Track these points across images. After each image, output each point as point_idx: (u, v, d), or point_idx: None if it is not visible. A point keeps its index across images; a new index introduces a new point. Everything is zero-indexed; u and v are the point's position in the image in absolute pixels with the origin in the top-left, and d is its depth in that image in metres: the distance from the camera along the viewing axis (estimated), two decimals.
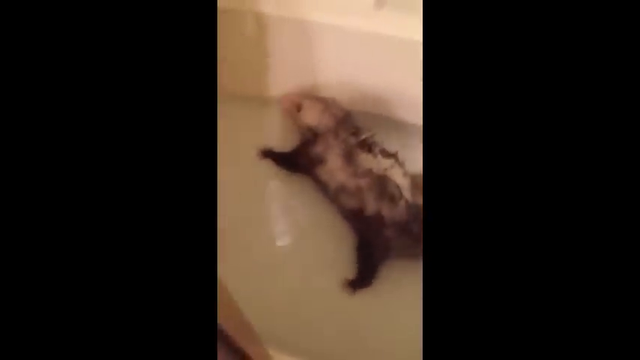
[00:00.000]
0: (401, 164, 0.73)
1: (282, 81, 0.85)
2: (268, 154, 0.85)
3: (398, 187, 0.71)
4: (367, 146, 0.75)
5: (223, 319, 0.38)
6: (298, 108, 0.81)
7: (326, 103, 0.79)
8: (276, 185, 0.85)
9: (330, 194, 0.77)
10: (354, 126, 0.78)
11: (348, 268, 0.76)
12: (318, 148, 0.77)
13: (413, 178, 0.73)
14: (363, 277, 0.75)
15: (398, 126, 0.85)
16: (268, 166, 0.85)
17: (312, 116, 0.79)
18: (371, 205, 0.72)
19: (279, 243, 0.80)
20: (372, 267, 0.75)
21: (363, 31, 0.73)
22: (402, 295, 0.74)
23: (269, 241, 0.80)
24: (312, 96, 0.82)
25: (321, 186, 0.78)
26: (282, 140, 0.86)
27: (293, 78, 0.85)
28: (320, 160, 0.77)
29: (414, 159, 0.75)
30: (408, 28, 0.70)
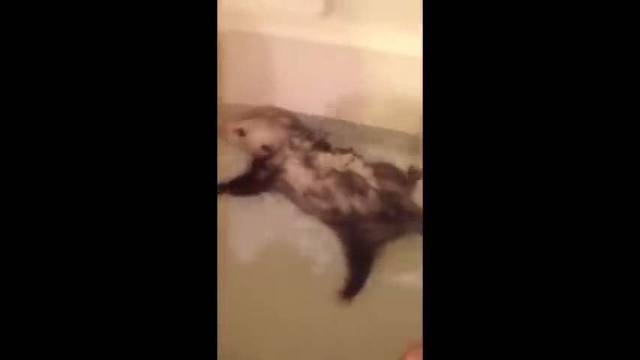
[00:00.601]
0: (359, 157, 0.76)
1: (234, 93, 0.85)
2: (223, 188, 0.81)
3: (362, 178, 0.74)
4: (324, 146, 0.77)
5: None
6: (241, 133, 0.78)
7: (270, 116, 0.79)
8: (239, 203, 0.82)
9: (300, 201, 0.77)
10: (306, 130, 0.79)
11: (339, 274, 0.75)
12: (275, 161, 0.77)
13: (374, 167, 0.76)
14: (354, 283, 0.73)
15: (345, 125, 0.88)
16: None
17: (261, 134, 0.78)
18: (344, 203, 0.73)
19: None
20: (361, 269, 0.74)
21: (311, 40, 0.76)
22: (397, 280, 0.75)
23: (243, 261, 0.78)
24: (250, 114, 0.80)
25: (288, 195, 0.78)
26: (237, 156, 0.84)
27: (245, 90, 0.85)
28: (279, 171, 0.77)
29: (367, 153, 0.79)
30: (355, 36, 0.76)
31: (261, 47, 0.79)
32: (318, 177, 0.75)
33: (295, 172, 0.76)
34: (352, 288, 0.74)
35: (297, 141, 0.77)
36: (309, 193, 0.75)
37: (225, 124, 0.79)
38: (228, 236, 0.79)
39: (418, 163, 0.81)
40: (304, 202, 0.77)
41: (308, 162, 0.76)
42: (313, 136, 0.78)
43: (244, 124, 0.78)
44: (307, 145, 0.77)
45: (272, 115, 0.80)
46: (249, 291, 0.74)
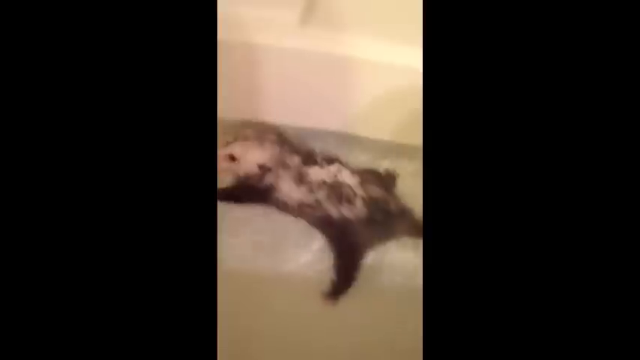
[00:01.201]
0: (345, 165, 0.79)
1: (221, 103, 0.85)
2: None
3: (350, 187, 0.76)
4: (312, 159, 0.79)
5: None
6: (232, 158, 0.78)
7: (255, 135, 0.79)
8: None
9: (293, 212, 0.79)
10: (293, 144, 0.80)
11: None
12: (268, 180, 0.78)
13: (360, 174, 0.79)
14: (339, 284, 0.77)
15: (329, 134, 0.90)
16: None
17: (254, 154, 0.78)
18: (334, 213, 0.76)
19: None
20: (348, 272, 0.78)
21: (290, 47, 0.77)
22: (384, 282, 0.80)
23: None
24: (238, 137, 0.79)
25: (282, 207, 0.80)
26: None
27: (230, 100, 0.85)
28: (273, 189, 0.78)
29: (351, 161, 0.82)
30: (334, 43, 0.76)
31: (244, 56, 0.78)
32: (309, 191, 0.77)
33: (287, 189, 0.78)
34: (338, 290, 0.77)
35: (287, 158, 0.78)
36: (302, 205, 0.78)
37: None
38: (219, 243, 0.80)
39: (397, 166, 0.86)
40: (295, 213, 0.79)
41: (299, 178, 0.77)
42: (300, 149, 0.80)
43: (234, 149, 0.78)
44: (296, 160, 0.78)
45: (258, 133, 0.80)
46: (240, 297, 0.76)
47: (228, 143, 0.78)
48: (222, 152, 0.77)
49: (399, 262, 0.80)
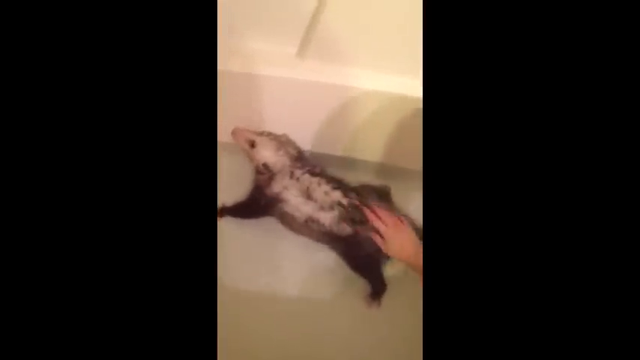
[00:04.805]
0: (346, 183, 0.85)
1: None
2: (224, 211, 0.88)
3: (352, 200, 0.81)
4: (324, 179, 0.83)
5: None
6: (252, 144, 0.83)
7: (280, 141, 0.84)
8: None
9: (298, 227, 0.83)
10: (309, 164, 0.85)
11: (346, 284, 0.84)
12: (274, 188, 0.82)
13: (360, 188, 0.85)
14: (378, 286, 0.83)
15: (329, 157, 0.96)
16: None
17: (267, 154, 0.83)
18: (345, 229, 0.80)
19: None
20: (379, 273, 0.83)
21: (289, 78, 0.83)
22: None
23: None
24: (266, 133, 0.85)
25: (287, 220, 0.83)
26: (236, 185, 0.89)
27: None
28: (279, 200, 0.82)
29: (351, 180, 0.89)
30: (329, 74, 0.83)
31: (246, 86, 0.83)
32: (322, 209, 0.81)
33: (295, 202, 0.81)
34: (376, 291, 0.84)
35: (298, 173, 0.83)
36: (310, 220, 0.81)
37: (242, 131, 0.84)
38: (228, 258, 0.84)
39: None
40: (302, 226, 0.83)
41: (308, 194, 0.81)
42: (314, 170, 0.84)
43: (257, 138, 0.83)
44: (307, 178, 0.83)
45: (282, 141, 0.85)
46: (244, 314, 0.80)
47: (254, 133, 0.84)
48: (246, 134, 0.84)
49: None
